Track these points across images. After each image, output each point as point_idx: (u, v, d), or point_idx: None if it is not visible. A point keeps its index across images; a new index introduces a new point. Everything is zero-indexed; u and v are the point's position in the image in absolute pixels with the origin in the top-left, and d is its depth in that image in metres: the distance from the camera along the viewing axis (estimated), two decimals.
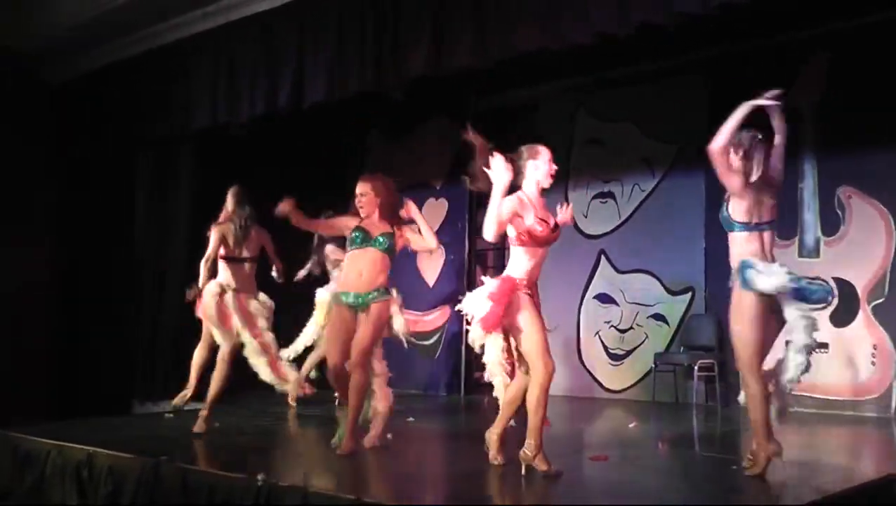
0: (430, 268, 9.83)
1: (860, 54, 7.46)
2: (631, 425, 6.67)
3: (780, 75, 7.83)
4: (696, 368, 7.84)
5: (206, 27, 8.17)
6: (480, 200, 9.83)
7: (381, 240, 5.48)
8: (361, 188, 5.57)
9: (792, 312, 4.59)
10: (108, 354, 9.38)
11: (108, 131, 9.28)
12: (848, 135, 7.48)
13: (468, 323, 4.77)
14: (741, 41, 7.87)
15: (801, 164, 7.68)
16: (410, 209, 5.66)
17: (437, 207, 9.89)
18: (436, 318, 9.71)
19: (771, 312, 4.59)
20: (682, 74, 8.51)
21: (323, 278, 8.13)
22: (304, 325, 7.98)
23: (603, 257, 8.87)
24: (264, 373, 6.60)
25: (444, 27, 6.55)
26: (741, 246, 4.65)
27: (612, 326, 8.80)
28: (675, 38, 6.81)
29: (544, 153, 4.84)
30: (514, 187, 4.75)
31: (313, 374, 7.92)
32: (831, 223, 7.57)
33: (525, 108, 9.79)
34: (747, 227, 4.63)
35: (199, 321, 6.65)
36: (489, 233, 4.67)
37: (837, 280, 7.46)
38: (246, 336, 6.42)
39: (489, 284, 4.72)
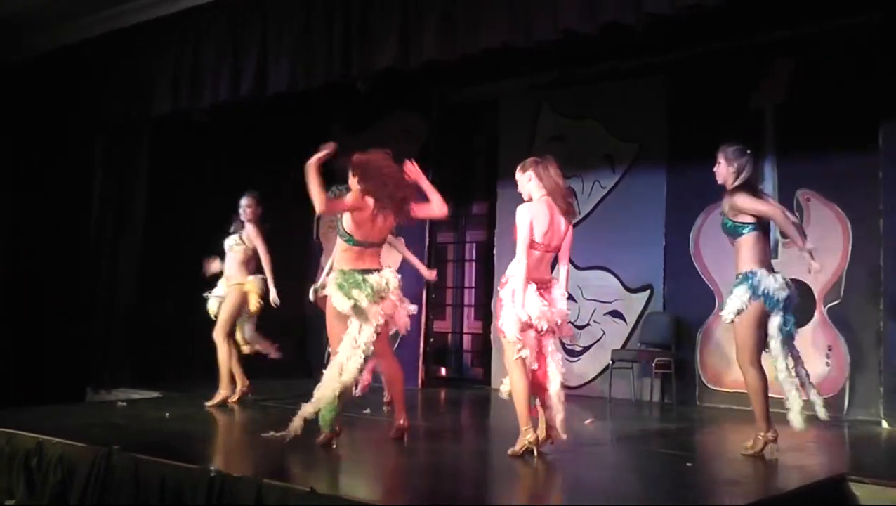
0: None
1: (822, 59, 7.55)
2: (586, 422, 6.68)
3: (741, 79, 7.95)
4: (653, 365, 7.89)
5: (170, 11, 8.05)
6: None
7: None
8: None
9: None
10: (62, 341, 9.22)
11: (67, 115, 9.08)
12: (808, 138, 7.56)
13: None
14: (705, 44, 7.92)
15: (761, 165, 7.71)
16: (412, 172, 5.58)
17: None
18: None
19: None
20: (646, 74, 8.56)
21: None
22: None
23: None
24: None
25: (411, 20, 6.53)
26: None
27: (569, 322, 8.78)
28: (640, 38, 6.83)
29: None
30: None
31: None
32: None
33: (489, 104, 9.79)
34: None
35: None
36: None
37: (794, 282, 7.52)
38: None
39: None
